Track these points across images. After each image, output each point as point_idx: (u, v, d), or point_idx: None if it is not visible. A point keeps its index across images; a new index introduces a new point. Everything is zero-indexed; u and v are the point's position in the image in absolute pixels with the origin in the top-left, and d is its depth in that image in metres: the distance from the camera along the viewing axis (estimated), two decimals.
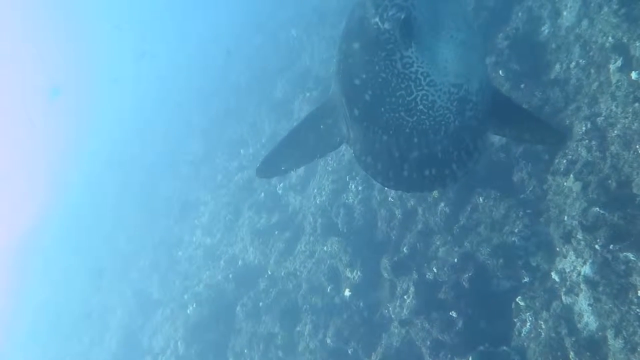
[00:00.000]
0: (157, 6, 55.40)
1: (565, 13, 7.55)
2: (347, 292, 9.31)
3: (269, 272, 11.73)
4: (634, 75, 5.94)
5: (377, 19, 2.67)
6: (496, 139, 7.93)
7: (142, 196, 21.60)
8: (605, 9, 6.62)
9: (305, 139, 3.69)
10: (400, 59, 2.73)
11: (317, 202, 11.23)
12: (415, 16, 2.61)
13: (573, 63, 7.18)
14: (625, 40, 6.24)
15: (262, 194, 14.03)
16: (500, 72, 8.19)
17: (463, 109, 2.94)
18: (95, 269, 20.14)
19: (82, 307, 20.39)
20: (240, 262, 13.04)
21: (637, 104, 5.89)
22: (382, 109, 2.96)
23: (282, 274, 11.24)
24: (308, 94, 13.73)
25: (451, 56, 2.78)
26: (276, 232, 12.29)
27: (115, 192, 23.61)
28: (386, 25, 2.65)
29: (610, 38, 6.47)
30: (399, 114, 2.94)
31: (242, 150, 17.16)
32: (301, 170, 13.04)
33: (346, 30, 3.03)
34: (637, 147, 5.84)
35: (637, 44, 5.97)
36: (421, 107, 2.88)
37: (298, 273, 10.80)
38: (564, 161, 6.81)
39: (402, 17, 2.57)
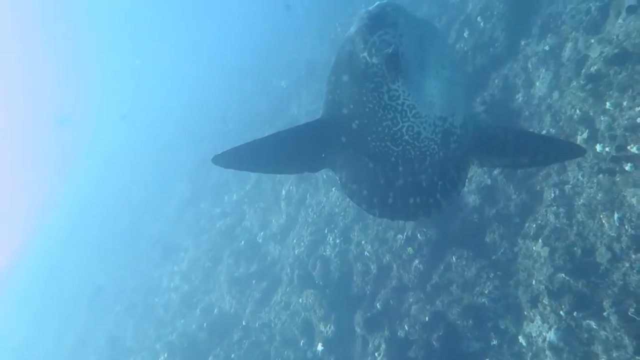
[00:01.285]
0: (158, 46, 56.68)
1: (537, 83, 7.87)
2: (319, 347, 9.25)
3: (244, 323, 11.62)
4: (598, 147, 6.17)
5: (365, 54, 2.77)
6: (470, 200, 8.12)
7: (126, 237, 21.47)
8: (574, 82, 6.93)
9: (286, 149, 3.50)
10: (387, 92, 2.84)
11: (296, 252, 11.26)
12: (403, 52, 2.74)
13: (544, 131, 7.44)
14: (592, 114, 6.51)
15: (243, 242, 14.04)
16: None
17: (447, 141, 3.05)
18: (70, 314, 19.74)
19: (57, 349, 19.94)
20: (216, 311, 12.91)
21: (601, 175, 6.10)
22: (369, 138, 3.06)
23: (257, 324, 11.13)
24: None
25: (437, 91, 2.90)
26: (254, 282, 12.25)
27: (99, 232, 23.43)
28: (374, 60, 2.76)
29: (578, 110, 6.74)
30: (385, 143, 3.04)
31: (226, 197, 17.25)
32: (283, 219, 13.14)
33: (336, 63, 3.12)
34: (601, 216, 6.02)
35: (602, 118, 6.23)
36: (407, 137, 2.99)
37: (272, 325, 10.72)
38: (534, 225, 6.98)
39: (390, 52, 2.71)
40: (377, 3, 2.83)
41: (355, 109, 2.98)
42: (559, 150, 3.21)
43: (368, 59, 2.77)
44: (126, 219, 22.84)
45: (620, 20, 6.47)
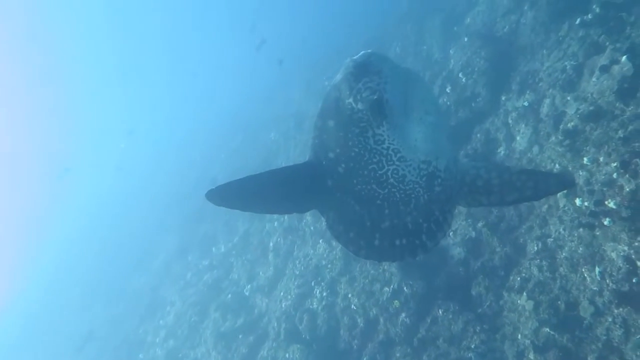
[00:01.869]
0: (146, 98, 57.49)
1: (518, 138, 8.06)
2: None
3: None
4: (578, 201, 6.29)
5: (351, 100, 2.83)
6: (455, 253, 8.16)
7: (112, 291, 21.10)
8: (553, 138, 7.11)
9: (275, 188, 3.49)
10: (373, 136, 2.91)
11: (283, 306, 11.14)
12: (387, 98, 2.83)
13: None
14: (570, 168, 6.65)
15: (230, 295, 13.87)
16: None
17: (432, 184, 3.10)
18: None
19: None
20: None
21: (581, 229, 6.19)
22: (355, 181, 3.11)
23: None
24: None
25: (420, 136, 2.98)
26: (240, 336, 12.05)
27: (84, 287, 23.02)
28: (359, 106, 2.84)
29: (557, 165, 6.89)
30: (370, 186, 3.08)
31: (213, 249, 17.16)
32: (270, 271, 13.06)
33: (322, 109, 3.18)
34: (583, 270, 6.07)
35: (581, 173, 6.36)
36: (392, 180, 3.04)
37: None
38: (518, 278, 7.01)
39: (375, 98, 2.79)
40: (362, 52, 2.94)
41: (341, 152, 3.05)
42: (547, 183, 3.18)
43: (354, 105, 2.85)
44: (112, 272, 22.54)
45: (594, 79, 6.70)
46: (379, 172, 3.02)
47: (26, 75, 61.49)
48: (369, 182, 3.08)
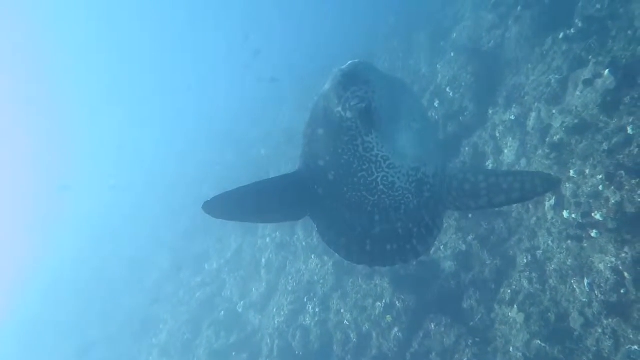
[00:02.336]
0: (140, 114, 57.47)
1: (506, 151, 8.15)
2: None
3: None
4: (565, 214, 6.35)
5: (340, 108, 2.86)
6: (446, 267, 8.20)
7: (106, 309, 20.89)
8: (540, 151, 7.19)
9: (267, 197, 3.57)
10: (362, 144, 2.93)
11: (276, 322, 11.11)
12: (376, 107, 2.85)
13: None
14: None
15: (222, 312, 13.82)
16: None
17: (421, 190, 3.14)
18: None
19: None
20: None
21: (569, 241, 6.25)
22: (345, 188, 3.13)
23: None
24: None
25: (409, 143, 3.02)
26: (234, 353, 11.99)
27: (77, 309, 22.75)
28: (348, 114, 2.86)
29: None
30: (360, 193, 3.11)
31: (206, 266, 17.09)
32: (263, 287, 13.02)
33: (311, 118, 3.21)
34: (572, 282, 6.12)
35: (567, 185, 6.43)
36: (382, 187, 3.07)
37: None
38: (509, 291, 7.06)
39: (363, 106, 2.82)
40: (349, 62, 2.97)
41: (331, 160, 3.08)
42: (533, 184, 3.20)
43: (342, 113, 2.88)
44: (106, 290, 22.35)
45: (578, 92, 6.80)
46: (369, 179, 3.06)
47: (19, 92, 61.63)
48: (359, 189, 3.11)
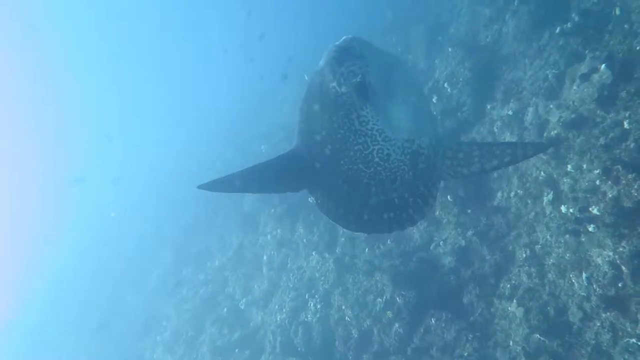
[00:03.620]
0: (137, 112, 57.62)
1: None
2: None
3: None
4: (563, 208, 6.38)
5: (335, 84, 2.90)
6: (446, 262, 8.24)
7: (108, 309, 20.94)
8: None
9: (266, 174, 3.67)
10: (357, 118, 2.98)
11: (278, 319, 11.16)
12: (370, 81, 2.90)
13: (512, 192, 7.68)
14: (555, 176, 6.77)
15: (225, 309, 13.88)
16: (449, 197, 8.67)
17: (416, 161, 3.18)
18: None
19: None
20: None
21: (567, 236, 6.28)
22: (342, 162, 3.18)
23: None
24: (273, 210, 14.07)
25: (403, 115, 3.07)
26: (236, 350, 12.05)
27: (80, 305, 22.84)
28: (343, 89, 2.90)
29: (542, 173, 7.01)
30: (357, 166, 3.15)
31: (208, 263, 17.15)
32: (265, 284, 13.08)
33: (307, 94, 3.25)
34: (571, 276, 6.16)
35: (565, 180, 6.47)
36: (377, 159, 3.11)
37: None
38: (508, 286, 7.10)
39: (358, 81, 2.87)
40: (344, 37, 3.02)
41: (327, 135, 3.12)
42: (524, 148, 3.30)
43: (337, 88, 2.92)
44: (110, 287, 22.42)
45: (575, 87, 6.82)
46: (365, 152, 3.09)
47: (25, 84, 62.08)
48: (355, 162, 3.15)
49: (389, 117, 3.02)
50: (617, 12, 6.63)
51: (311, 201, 13.75)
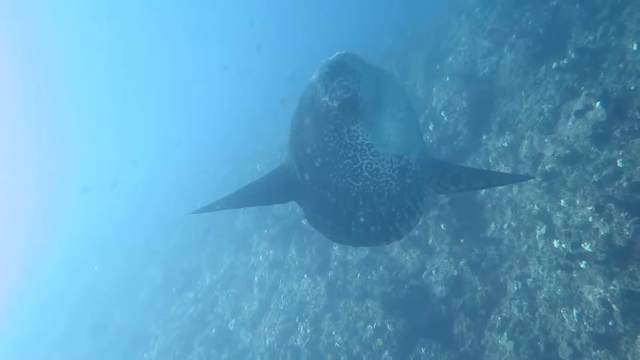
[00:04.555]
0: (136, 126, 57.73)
1: None
2: None
3: None
4: (555, 243, 6.41)
5: (326, 98, 2.91)
6: (437, 291, 8.22)
7: (95, 326, 20.69)
8: (531, 179, 7.26)
9: (253, 192, 3.88)
10: (348, 132, 3.01)
11: (267, 342, 11.06)
12: (361, 96, 2.90)
13: (506, 224, 7.70)
14: (548, 210, 6.80)
15: (214, 329, 13.76)
16: (442, 225, 8.68)
17: (404, 176, 3.23)
18: None
19: None
20: None
21: (559, 271, 6.31)
22: (331, 175, 3.23)
23: None
24: (266, 231, 14.03)
25: (393, 131, 3.10)
26: None
27: (67, 320, 22.54)
28: (334, 103, 2.91)
29: (535, 206, 7.04)
30: (346, 179, 3.21)
31: (199, 282, 17.02)
32: (255, 305, 12.97)
33: (299, 108, 3.32)
34: (562, 311, 6.16)
35: (558, 215, 6.50)
36: (366, 173, 3.16)
37: None
38: (499, 318, 7.09)
39: (349, 96, 2.87)
40: (336, 53, 3.03)
41: (317, 148, 3.17)
42: (510, 175, 3.47)
43: (329, 102, 2.94)
44: (97, 304, 22.19)
45: (570, 123, 6.89)
46: (354, 166, 3.14)
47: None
48: (344, 175, 3.20)
49: (378, 132, 3.06)
50: (635, 47, 6.73)
51: (304, 223, 13.82)
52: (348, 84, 2.89)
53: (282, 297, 11.94)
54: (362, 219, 3.37)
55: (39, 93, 63.35)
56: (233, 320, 13.46)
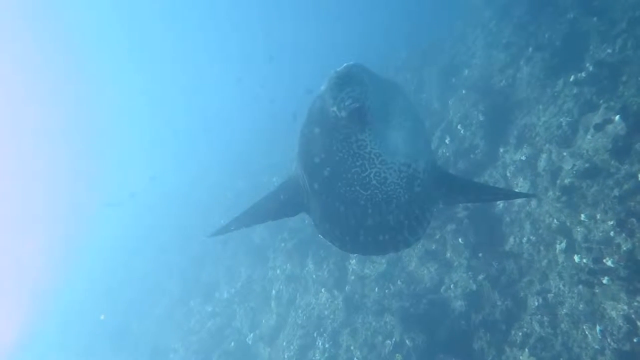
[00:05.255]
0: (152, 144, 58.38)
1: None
2: None
3: None
4: (576, 258, 6.35)
5: (335, 108, 2.96)
6: (456, 306, 8.17)
7: (113, 340, 20.84)
8: (550, 193, 7.22)
9: (263, 206, 4.02)
10: (356, 141, 3.03)
11: (285, 357, 11.06)
12: (369, 106, 2.96)
13: (525, 238, 7.65)
14: (568, 224, 6.75)
15: (232, 343, 13.79)
16: (460, 239, 8.64)
17: (412, 184, 3.26)
18: None
19: None
20: None
21: (581, 286, 6.24)
22: (339, 184, 3.26)
23: None
24: (283, 244, 14.07)
25: (400, 140, 3.14)
26: None
27: (88, 334, 22.71)
28: (343, 113, 2.92)
29: (555, 220, 6.99)
30: (354, 187, 3.24)
31: (216, 294, 17.08)
32: (273, 320, 12.98)
33: (308, 118, 3.37)
34: (584, 327, 6.09)
35: (578, 229, 6.45)
36: (374, 182, 3.19)
37: None
38: (520, 334, 7.02)
39: (357, 106, 2.92)
40: (344, 64, 3.08)
41: (326, 157, 3.20)
42: (514, 193, 3.51)
43: (337, 112, 2.97)
44: (116, 317, 22.34)
45: (589, 136, 6.86)
46: (362, 174, 3.18)
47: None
48: (352, 184, 3.23)
49: (386, 141, 3.10)
50: None
51: (321, 237, 13.74)
52: (356, 94, 2.93)
53: (300, 311, 11.95)
54: (370, 228, 3.42)
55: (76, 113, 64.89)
56: (251, 335, 13.48)
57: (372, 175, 3.17)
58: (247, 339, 13.56)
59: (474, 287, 8.13)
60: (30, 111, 63.46)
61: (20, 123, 63.78)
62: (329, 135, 3.15)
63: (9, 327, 33.72)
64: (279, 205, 3.95)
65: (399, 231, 3.42)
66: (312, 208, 3.67)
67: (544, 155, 7.83)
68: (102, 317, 21.77)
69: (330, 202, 3.41)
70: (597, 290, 6.01)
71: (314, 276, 12.24)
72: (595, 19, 8.34)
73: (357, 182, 3.21)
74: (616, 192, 6.07)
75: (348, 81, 2.98)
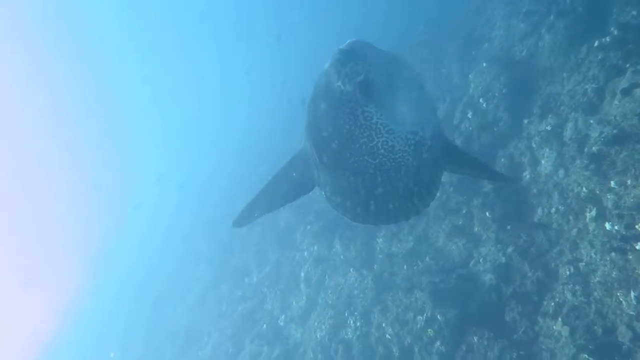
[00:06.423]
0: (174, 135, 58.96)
1: (543, 162, 8.10)
2: None
3: None
4: (607, 226, 6.30)
5: (340, 83, 3.05)
6: (486, 279, 8.18)
7: (149, 328, 21.32)
8: (578, 161, 7.14)
9: (279, 188, 4.15)
10: (362, 113, 3.10)
11: (318, 336, 11.20)
12: (373, 79, 3.03)
13: (553, 209, 7.60)
14: (598, 192, 6.68)
15: (265, 326, 14.00)
16: (487, 213, 8.62)
17: (419, 151, 3.31)
18: None
19: None
20: None
21: (613, 254, 6.19)
22: (348, 154, 3.32)
23: None
24: (309, 227, 14.19)
25: (406, 110, 3.20)
26: None
27: (122, 325, 23.31)
28: (348, 87, 3.02)
29: (584, 189, 6.92)
30: (362, 157, 3.30)
31: (246, 279, 17.32)
32: (303, 301, 13.15)
33: (314, 94, 3.44)
34: (618, 294, 6.06)
35: (609, 197, 6.39)
36: (382, 151, 3.24)
37: None
38: (552, 303, 7.00)
39: (361, 79, 3.01)
40: (347, 41, 3.17)
41: (333, 131, 3.27)
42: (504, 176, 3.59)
43: (342, 87, 3.06)
44: (149, 304, 22.83)
45: (616, 102, 6.75)
46: (370, 144, 3.23)
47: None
48: (361, 154, 3.28)
49: (392, 111, 3.15)
50: None
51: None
52: (359, 68, 3.01)
53: (329, 291, 12.06)
54: (380, 196, 3.49)
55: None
56: (283, 316, 13.67)
57: (379, 145, 3.22)
58: (278, 321, 13.76)
59: (503, 259, 8.12)
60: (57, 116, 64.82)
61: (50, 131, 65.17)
62: (335, 110, 3.21)
63: (50, 323, 34.82)
64: (293, 185, 4.06)
65: (409, 198, 3.49)
66: (322, 181, 3.73)
67: (569, 124, 7.73)
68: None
69: (340, 173, 3.47)
70: (630, 257, 5.96)
71: (341, 257, 12.33)
72: None
73: (366, 152, 3.26)
74: None
75: (351, 56, 3.06)
